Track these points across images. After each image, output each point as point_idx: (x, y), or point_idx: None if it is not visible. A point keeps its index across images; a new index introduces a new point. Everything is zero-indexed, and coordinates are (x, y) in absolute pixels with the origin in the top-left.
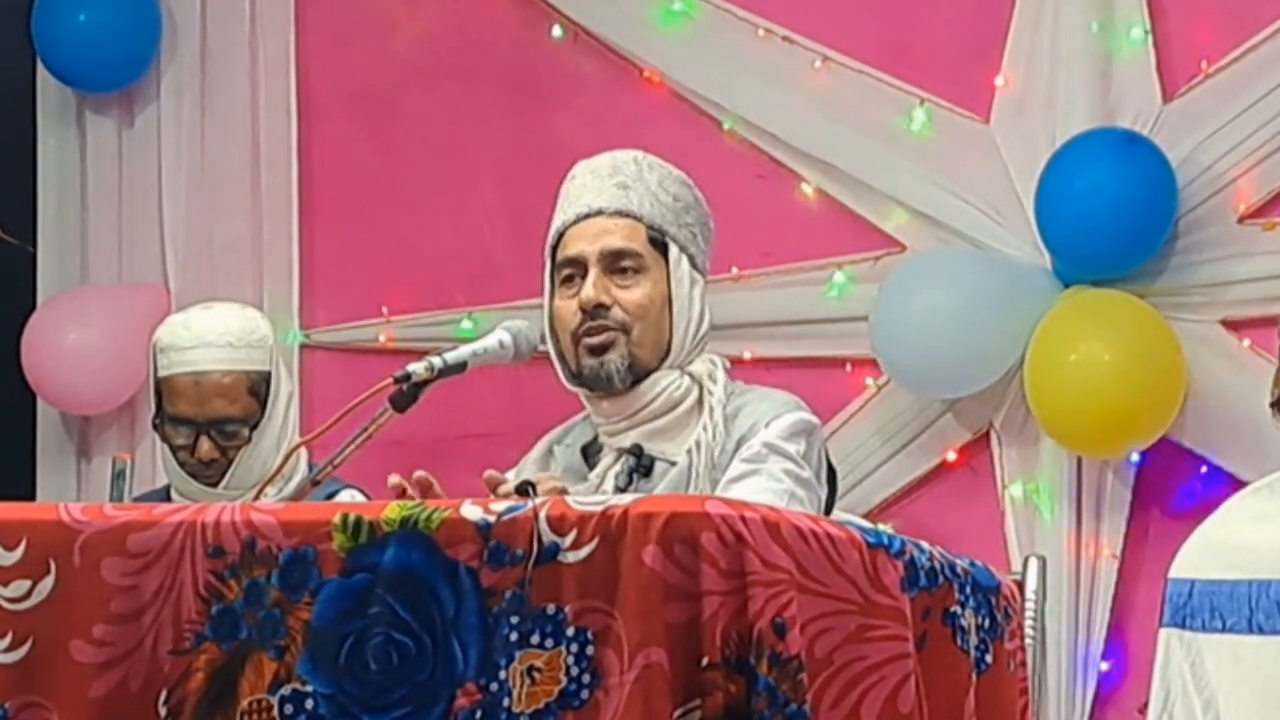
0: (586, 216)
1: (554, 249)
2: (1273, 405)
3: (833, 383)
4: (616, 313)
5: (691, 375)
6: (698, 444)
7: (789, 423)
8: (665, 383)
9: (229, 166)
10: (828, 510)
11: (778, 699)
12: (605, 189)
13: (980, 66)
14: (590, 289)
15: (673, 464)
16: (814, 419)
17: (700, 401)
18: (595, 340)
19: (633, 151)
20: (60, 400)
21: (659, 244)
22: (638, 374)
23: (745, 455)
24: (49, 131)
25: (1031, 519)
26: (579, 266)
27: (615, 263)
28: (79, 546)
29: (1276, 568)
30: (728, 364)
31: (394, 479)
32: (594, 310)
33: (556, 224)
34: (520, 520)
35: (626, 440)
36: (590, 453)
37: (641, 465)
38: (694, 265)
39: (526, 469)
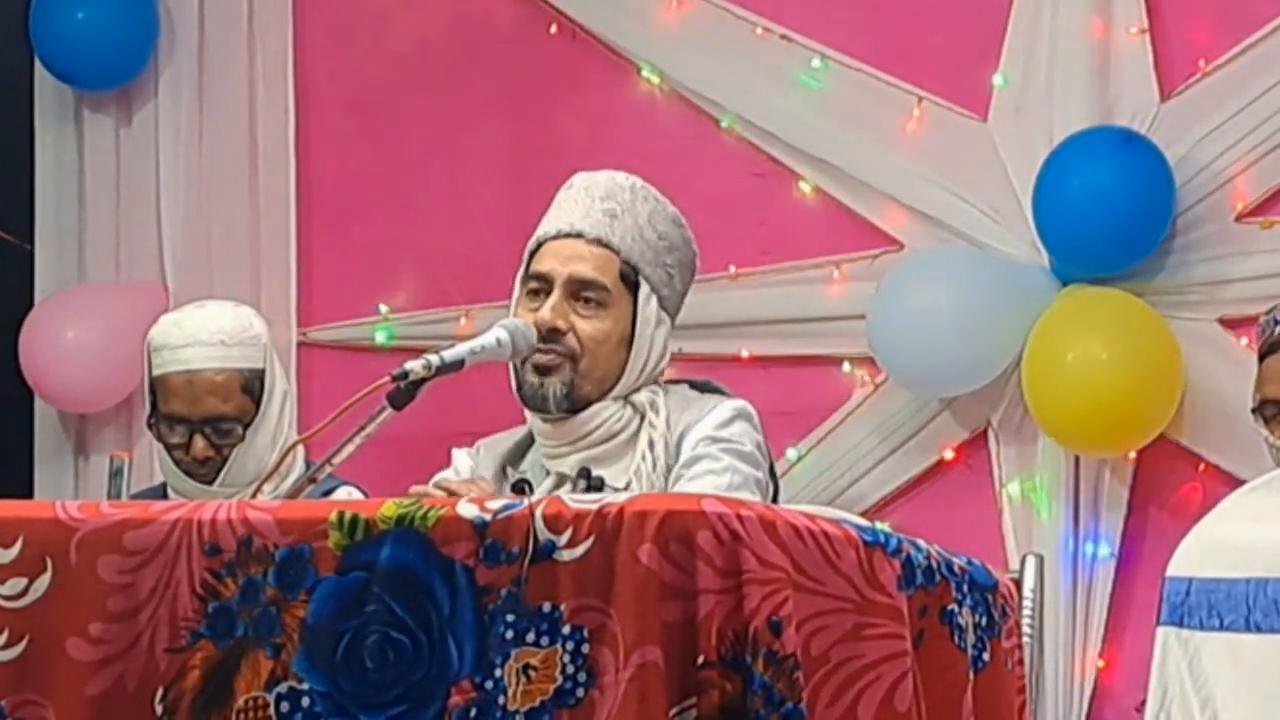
0: (567, 235)
1: (532, 254)
2: (1253, 411)
3: (830, 381)
4: (570, 340)
5: (634, 406)
6: (637, 473)
7: (722, 413)
8: (606, 414)
9: (227, 165)
10: (774, 498)
11: (773, 697)
12: (593, 211)
13: (978, 65)
14: (548, 311)
15: (616, 490)
16: (747, 405)
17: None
18: (542, 360)
19: (633, 178)
20: (58, 398)
21: (630, 280)
22: (575, 403)
23: (685, 460)
24: (47, 130)
25: (1029, 517)
26: (546, 283)
27: (579, 290)
28: (75, 544)
29: (1274, 566)
30: (666, 388)
31: None
32: (548, 334)
33: (540, 231)
34: (516, 518)
35: (566, 465)
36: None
37: (592, 487)
38: (663, 306)
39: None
